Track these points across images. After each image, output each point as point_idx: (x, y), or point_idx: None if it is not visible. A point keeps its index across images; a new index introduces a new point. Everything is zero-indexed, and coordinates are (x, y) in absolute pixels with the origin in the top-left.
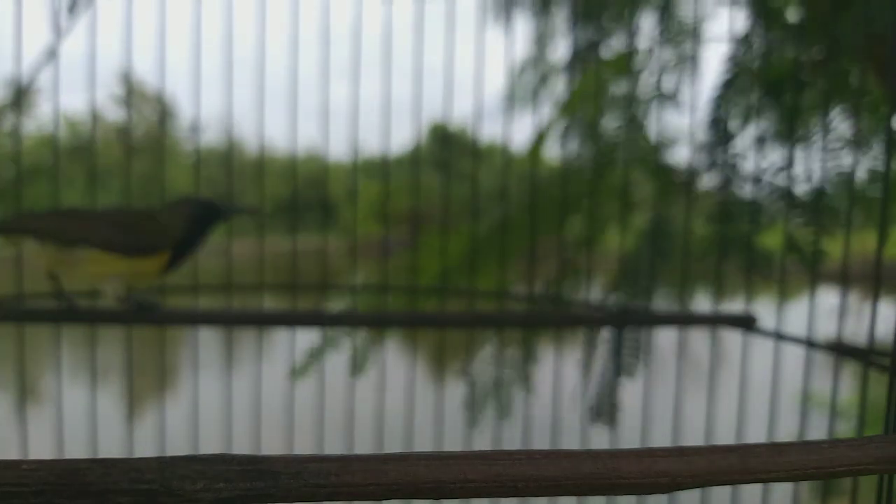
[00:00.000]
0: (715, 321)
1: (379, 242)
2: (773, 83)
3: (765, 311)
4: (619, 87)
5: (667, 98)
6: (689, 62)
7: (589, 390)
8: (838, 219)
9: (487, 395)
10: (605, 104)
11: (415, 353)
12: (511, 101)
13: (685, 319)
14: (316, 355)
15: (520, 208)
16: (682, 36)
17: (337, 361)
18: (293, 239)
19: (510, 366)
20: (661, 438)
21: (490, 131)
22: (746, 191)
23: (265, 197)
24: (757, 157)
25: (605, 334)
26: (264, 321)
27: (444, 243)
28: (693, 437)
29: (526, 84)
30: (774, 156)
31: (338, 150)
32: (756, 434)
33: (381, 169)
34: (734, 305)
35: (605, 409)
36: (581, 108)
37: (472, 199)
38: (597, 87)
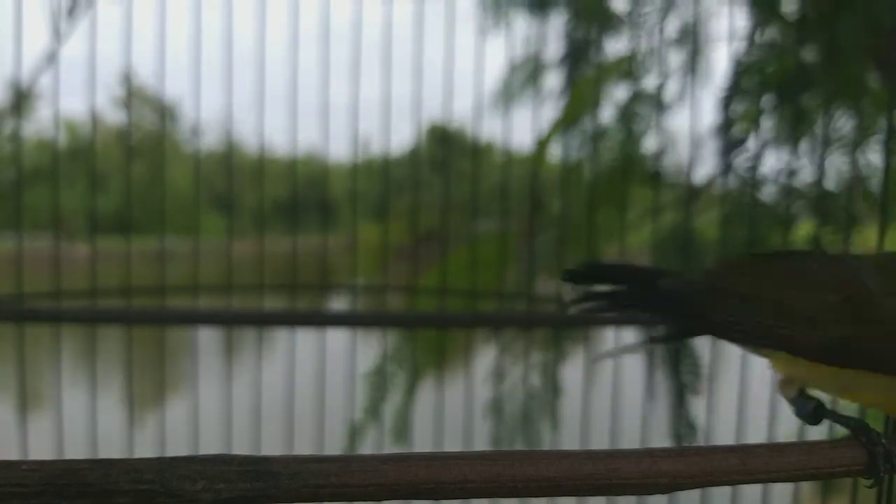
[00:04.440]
0: None
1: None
2: (779, 84)
3: None
4: (617, 93)
5: (668, 104)
6: (691, 63)
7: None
8: (849, 215)
9: (515, 430)
10: (605, 110)
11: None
12: (507, 97)
13: None
14: (357, 431)
15: (577, 218)
16: (684, 36)
17: (336, 361)
18: (293, 239)
19: (535, 400)
20: (661, 438)
21: (489, 129)
22: (757, 192)
23: (265, 197)
24: (766, 157)
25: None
26: (264, 321)
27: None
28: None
29: (520, 81)
30: (783, 156)
31: (338, 150)
32: (756, 434)
33: (381, 169)
34: None
35: (685, 432)
36: (580, 113)
37: (472, 199)
38: (596, 91)
